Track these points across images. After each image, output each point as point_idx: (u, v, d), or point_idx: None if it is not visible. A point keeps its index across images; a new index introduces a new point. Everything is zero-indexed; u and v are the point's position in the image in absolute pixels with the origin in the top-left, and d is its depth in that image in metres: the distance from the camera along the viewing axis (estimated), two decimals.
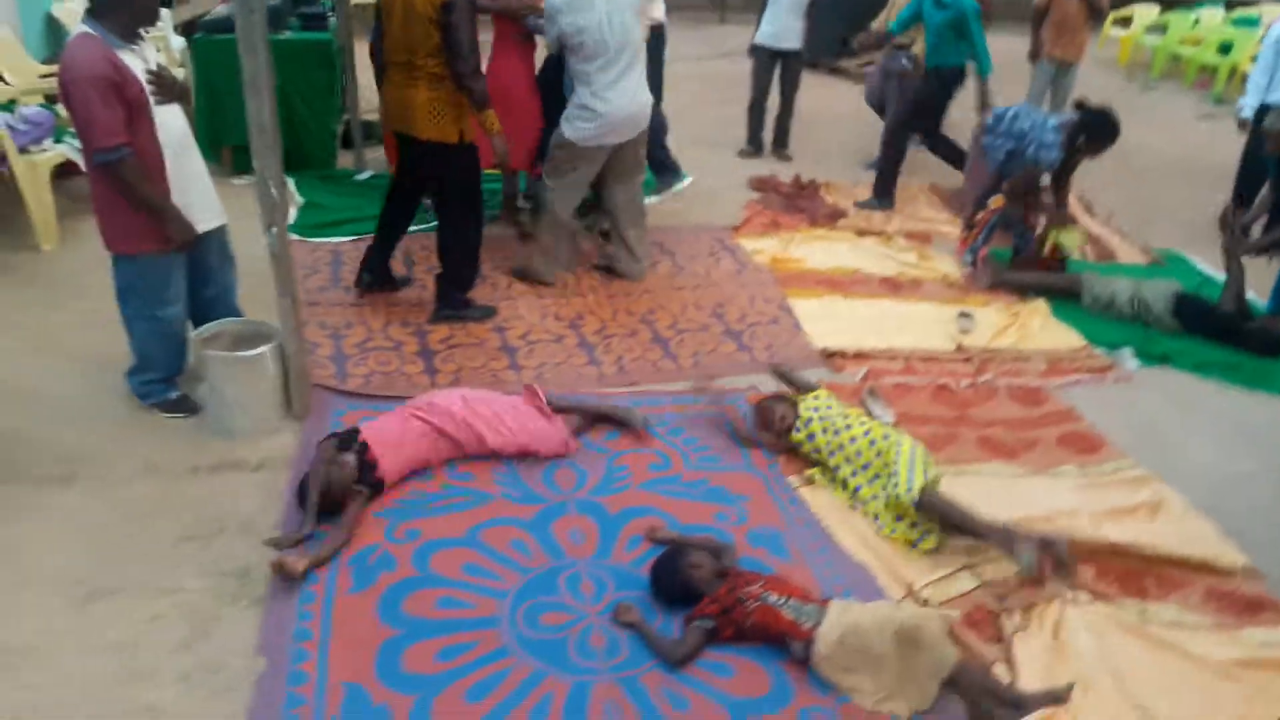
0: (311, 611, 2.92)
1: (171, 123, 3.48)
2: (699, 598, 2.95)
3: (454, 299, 4.67)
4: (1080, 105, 5.57)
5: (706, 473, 3.69)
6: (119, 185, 3.37)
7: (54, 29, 7.20)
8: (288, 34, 6.20)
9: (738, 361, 4.52)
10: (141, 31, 3.41)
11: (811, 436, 3.69)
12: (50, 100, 5.52)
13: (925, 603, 3.08)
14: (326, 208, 5.82)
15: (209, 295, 3.87)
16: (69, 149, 5.15)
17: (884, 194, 6.76)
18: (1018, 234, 5.76)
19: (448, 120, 4.22)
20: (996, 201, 5.70)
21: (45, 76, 5.74)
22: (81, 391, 3.90)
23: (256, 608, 2.93)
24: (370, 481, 3.33)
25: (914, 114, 6.71)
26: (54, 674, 2.65)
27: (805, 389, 3.91)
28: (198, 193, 3.65)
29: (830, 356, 4.60)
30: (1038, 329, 5.03)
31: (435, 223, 4.76)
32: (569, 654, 2.84)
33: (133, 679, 2.66)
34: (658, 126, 6.01)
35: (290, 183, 6.02)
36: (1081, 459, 3.99)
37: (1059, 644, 2.97)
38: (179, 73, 3.65)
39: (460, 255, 4.61)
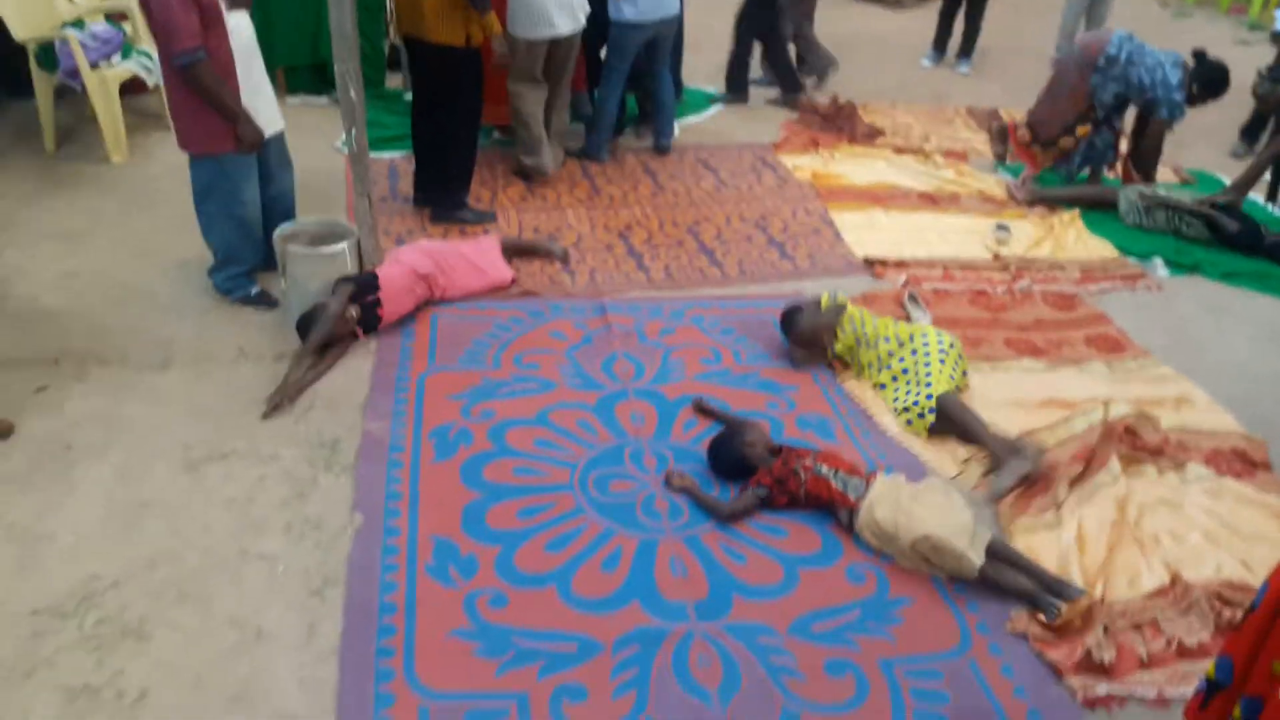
0: (400, 476, 3.20)
1: (241, 29, 3.70)
2: (754, 471, 3.20)
3: (442, 200, 4.89)
4: (1199, 55, 5.60)
5: (755, 366, 3.93)
6: (196, 87, 3.56)
7: None
8: None
9: (782, 269, 4.73)
10: None
11: (851, 347, 3.89)
12: (115, 18, 5.70)
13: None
14: (380, 125, 6.00)
15: (270, 194, 4.10)
16: (136, 65, 5.36)
17: (732, 87, 7.01)
18: (1094, 164, 5.88)
19: (454, 23, 4.36)
20: (1083, 130, 5.77)
21: None
22: (169, 287, 4.16)
23: (347, 474, 3.21)
24: (371, 323, 3.86)
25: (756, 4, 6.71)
26: (181, 523, 2.95)
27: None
28: (264, 99, 3.88)
29: (871, 264, 4.80)
30: (1072, 240, 5.20)
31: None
32: (636, 515, 3.11)
33: (247, 530, 2.95)
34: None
35: None
36: (1108, 356, 4.20)
37: (1106, 512, 3.23)
38: None
39: (449, 158, 4.79)
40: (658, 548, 2.99)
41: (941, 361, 3.68)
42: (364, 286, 3.84)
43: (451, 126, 4.72)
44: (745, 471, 3.22)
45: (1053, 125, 5.78)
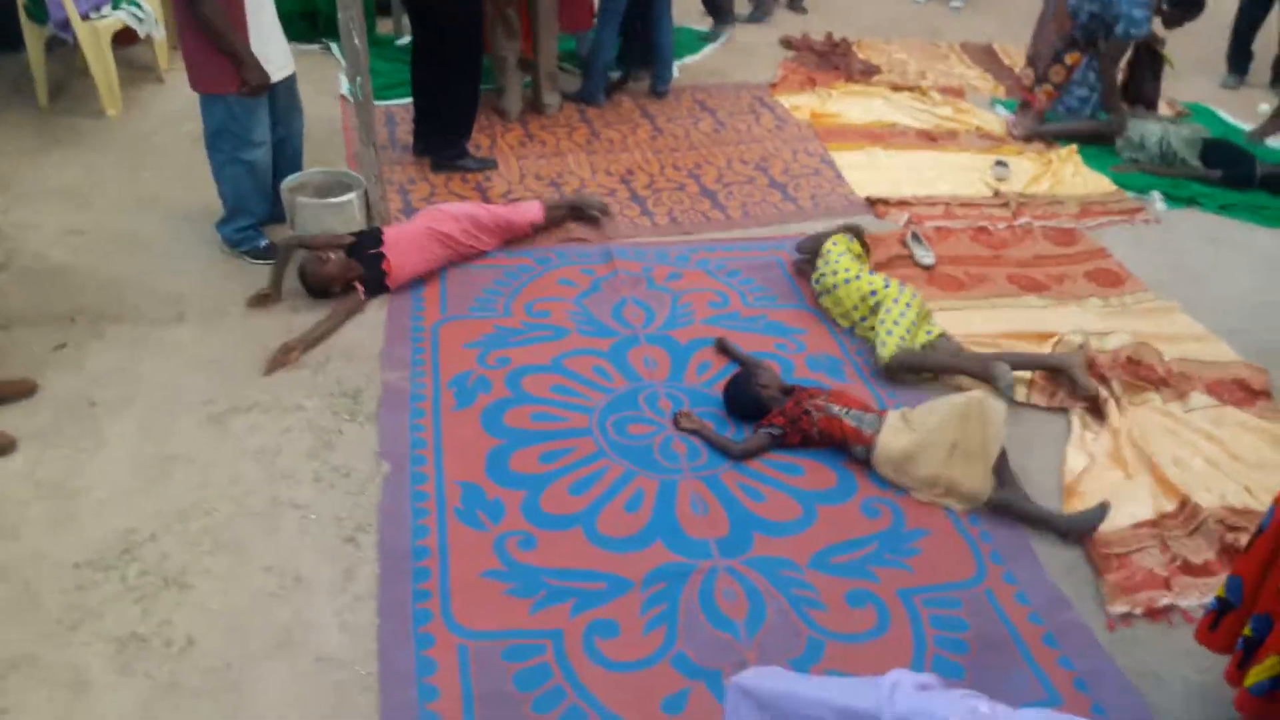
0: (423, 424, 3.26)
1: None
2: (768, 412, 3.27)
3: (443, 147, 4.86)
4: None
5: (764, 309, 3.98)
6: (202, 24, 3.58)
7: None
8: None
9: (785, 211, 4.76)
10: None
11: (820, 279, 3.94)
12: None
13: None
14: (374, 73, 5.92)
15: (278, 137, 4.07)
16: (126, 15, 5.28)
17: (714, 14, 7.03)
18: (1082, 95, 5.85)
19: None
20: (1072, 58, 5.73)
21: None
22: (176, 241, 4.16)
23: (370, 423, 3.26)
24: (376, 280, 3.80)
25: None
26: (210, 475, 3.01)
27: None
28: (274, 44, 3.85)
29: (873, 204, 4.83)
30: (1069, 176, 5.24)
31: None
32: (655, 457, 3.18)
33: (277, 478, 3.01)
34: None
35: (334, 48, 6.15)
36: (1105, 291, 4.27)
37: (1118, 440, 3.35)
38: None
39: (448, 104, 4.76)
40: (678, 488, 3.07)
41: (897, 324, 3.65)
42: (366, 238, 3.84)
43: (449, 72, 4.69)
44: (760, 412, 3.29)
45: (1044, 59, 5.77)
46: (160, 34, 5.55)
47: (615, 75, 5.88)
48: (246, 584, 2.67)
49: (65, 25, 5.05)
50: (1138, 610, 2.76)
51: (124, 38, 5.41)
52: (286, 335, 3.61)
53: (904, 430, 3.11)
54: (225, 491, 2.95)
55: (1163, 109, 6.25)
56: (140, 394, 3.31)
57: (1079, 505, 3.08)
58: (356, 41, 3.60)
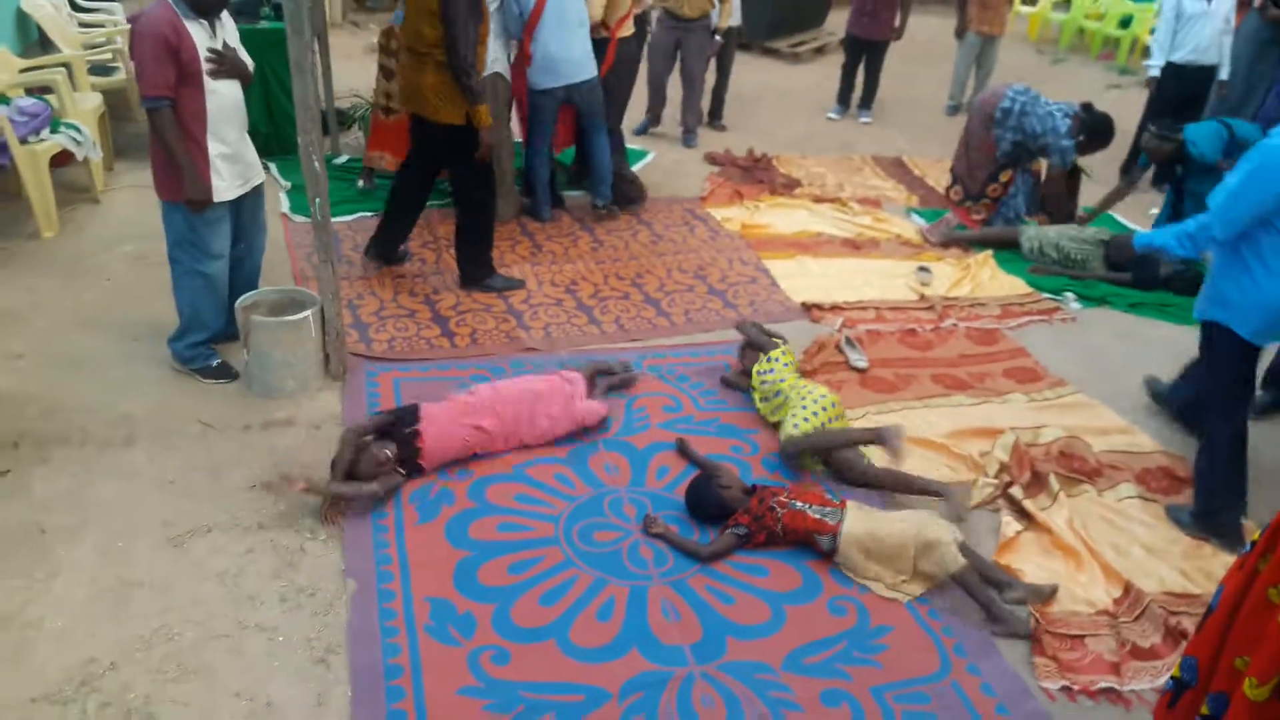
0: (387, 540, 3.25)
1: (224, 94, 3.76)
2: (731, 513, 3.35)
3: (476, 275, 4.99)
4: (1087, 107, 6.09)
5: (716, 413, 4.09)
6: (155, 132, 3.67)
7: (23, 22, 7.19)
8: (263, 24, 6.37)
9: (726, 317, 4.92)
10: (216, 14, 3.71)
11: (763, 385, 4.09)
12: (38, 92, 5.62)
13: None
14: None
15: (238, 252, 4.11)
16: (65, 138, 5.29)
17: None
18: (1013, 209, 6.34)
19: (455, 103, 4.49)
20: (1006, 176, 6.30)
21: (25, 70, 5.82)
22: (122, 361, 4.11)
23: (333, 541, 3.24)
24: (410, 464, 3.49)
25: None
26: (172, 600, 2.94)
27: (767, 348, 4.21)
28: (238, 160, 3.90)
29: (808, 309, 5.04)
30: (987, 279, 5.56)
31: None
32: (623, 563, 3.23)
33: (241, 602, 2.95)
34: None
35: (273, 168, 6.23)
36: (1026, 387, 4.51)
37: (1053, 530, 3.51)
38: (247, 58, 3.93)
39: (474, 234, 4.93)
40: (648, 594, 3.11)
41: (815, 414, 3.80)
42: (401, 417, 3.55)
43: (465, 201, 4.88)
44: (723, 513, 3.37)
45: (975, 178, 6.20)
46: (97, 155, 5.56)
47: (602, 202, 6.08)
48: (216, 711, 2.61)
49: (2, 150, 5.03)
50: (1075, 686, 2.89)
51: (59, 158, 5.41)
52: (243, 455, 3.59)
53: (868, 519, 3.23)
54: (188, 616, 2.89)
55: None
56: (93, 519, 3.23)
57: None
58: (316, 165, 3.68)
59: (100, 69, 6.70)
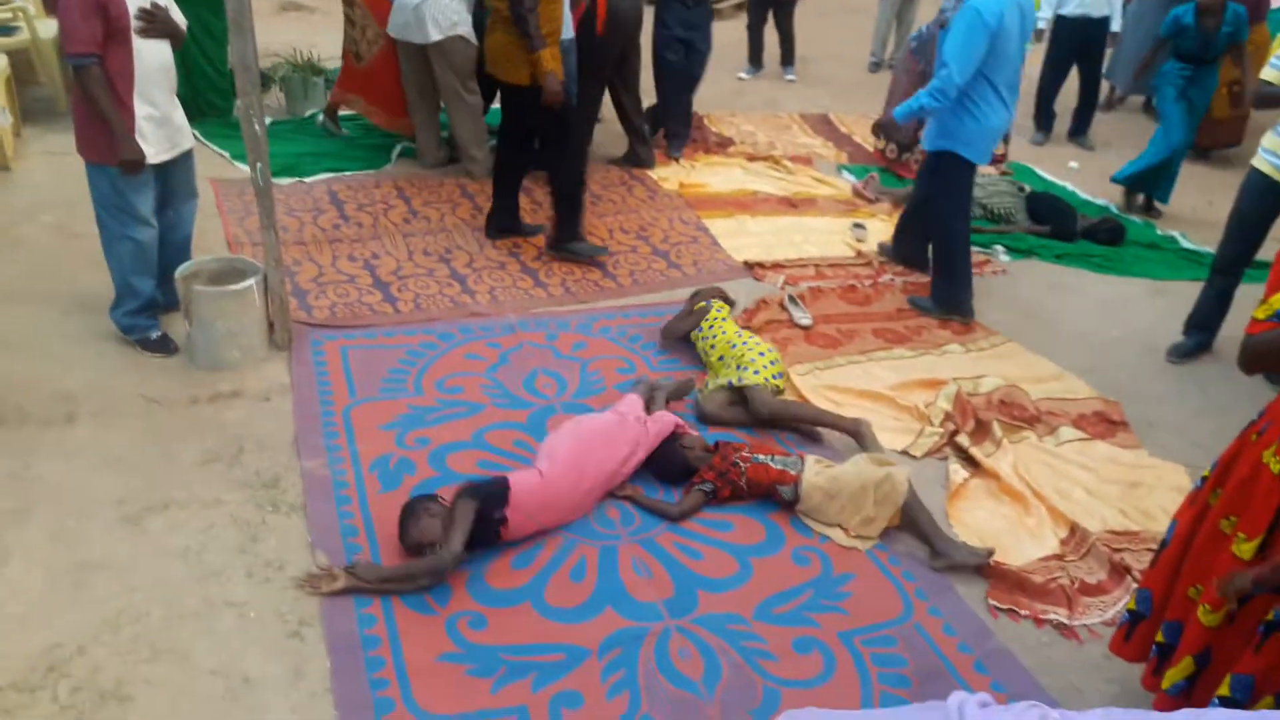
0: (351, 511, 3.21)
1: (152, 55, 3.63)
2: (695, 471, 3.40)
3: (559, 237, 4.93)
4: None
5: (669, 372, 4.12)
6: (83, 92, 3.52)
7: None
8: None
9: (671, 277, 4.96)
10: None
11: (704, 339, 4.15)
12: None
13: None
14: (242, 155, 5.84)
15: (166, 220, 3.97)
16: None
17: None
18: None
19: (519, 62, 4.44)
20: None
21: None
22: (54, 337, 3.95)
23: (296, 513, 3.19)
24: (486, 538, 3.06)
25: None
26: (135, 579, 2.86)
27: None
28: (167, 125, 3.78)
29: (751, 267, 5.10)
30: None
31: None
32: (591, 525, 3.25)
33: (207, 578, 2.90)
34: None
35: (198, 133, 5.99)
36: (962, 338, 4.66)
37: (999, 476, 3.65)
38: (179, 16, 3.78)
39: (559, 196, 4.87)
40: (618, 553, 3.15)
41: (766, 366, 3.88)
42: (490, 498, 3.05)
43: (549, 162, 4.86)
44: (686, 473, 3.42)
45: (906, 128, 6.28)
46: (5, 121, 5.29)
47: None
48: (193, 690, 2.56)
49: None
50: (1024, 611, 3.06)
51: None
52: (192, 430, 3.50)
53: (824, 467, 3.32)
54: (154, 595, 2.82)
55: (988, 169, 6.88)
56: (40, 500, 3.12)
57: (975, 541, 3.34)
58: (256, 128, 3.57)
59: (1, 28, 6.34)
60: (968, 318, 4.74)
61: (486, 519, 3.01)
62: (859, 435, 3.71)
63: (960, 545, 3.25)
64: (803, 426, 3.82)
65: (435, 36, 5.32)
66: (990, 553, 3.21)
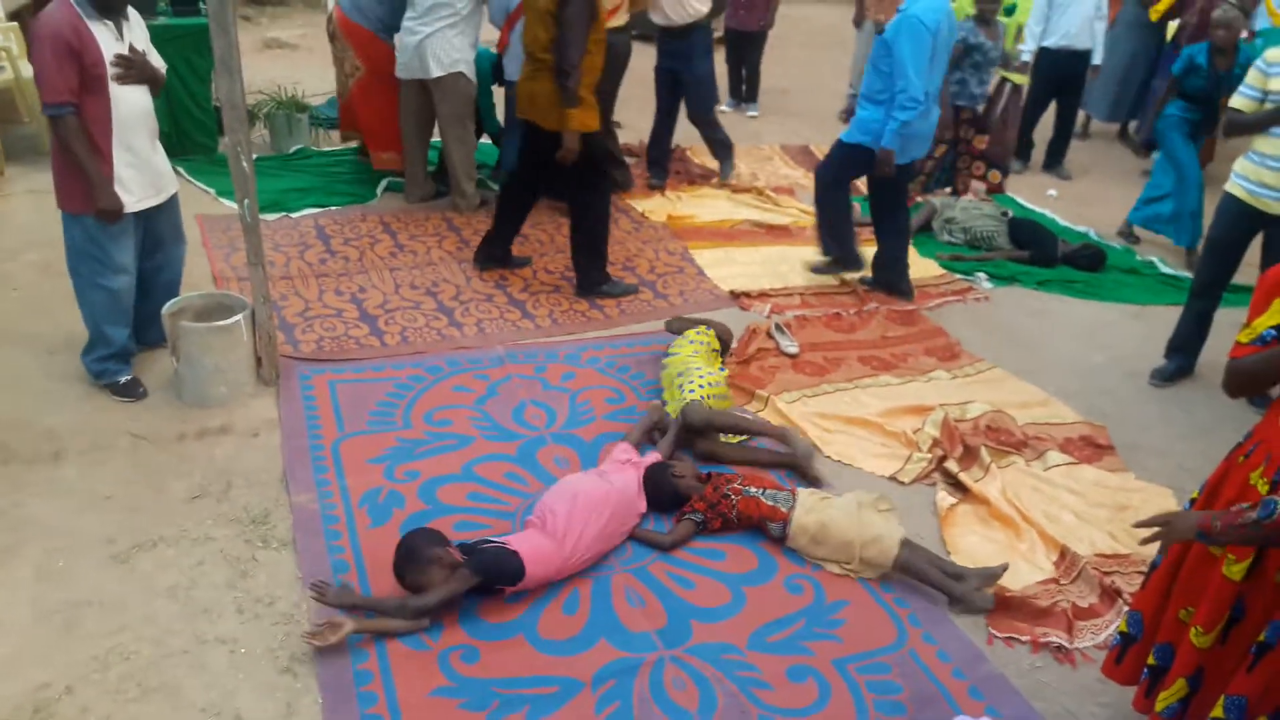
0: (341, 545, 3.19)
1: (132, 101, 3.60)
2: (686, 500, 3.40)
3: (590, 282, 4.98)
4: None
5: (659, 402, 4.13)
6: (59, 141, 3.50)
7: None
8: (160, 19, 6.13)
9: (658, 308, 4.98)
10: (121, 13, 3.55)
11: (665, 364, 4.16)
12: None
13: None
14: (228, 191, 5.85)
15: (155, 263, 3.97)
16: None
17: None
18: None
19: (552, 109, 4.49)
20: (940, 150, 6.54)
21: None
22: (39, 375, 3.94)
23: (286, 548, 3.17)
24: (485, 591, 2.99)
25: None
26: (124, 618, 2.83)
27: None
28: (147, 169, 3.75)
29: (737, 297, 5.13)
30: None
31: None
32: None
33: (197, 615, 2.87)
34: None
35: (183, 169, 6.02)
36: (948, 365, 4.69)
37: (989, 500, 3.66)
38: (159, 61, 3.79)
39: (587, 240, 4.92)
40: (611, 584, 3.14)
41: (704, 387, 3.88)
42: (500, 578, 2.98)
43: (579, 207, 4.94)
44: (677, 502, 3.42)
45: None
46: None
47: None
48: None
49: None
50: (1024, 638, 3.06)
51: None
52: (180, 466, 3.49)
53: (815, 508, 3.32)
54: (142, 633, 2.79)
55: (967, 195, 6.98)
56: (28, 539, 3.10)
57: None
58: (245, 165, 3.58)
59: None
60: (858, 266, 5.36)
61: (487, 589, 2.98)
62: (787, 440, 3.74)
63: (971, 571, 3.25)
64: (735, 436, 3.85)
65: (437, 73, 5.38)
66: (1004, 568, 3.23)
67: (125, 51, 3.54)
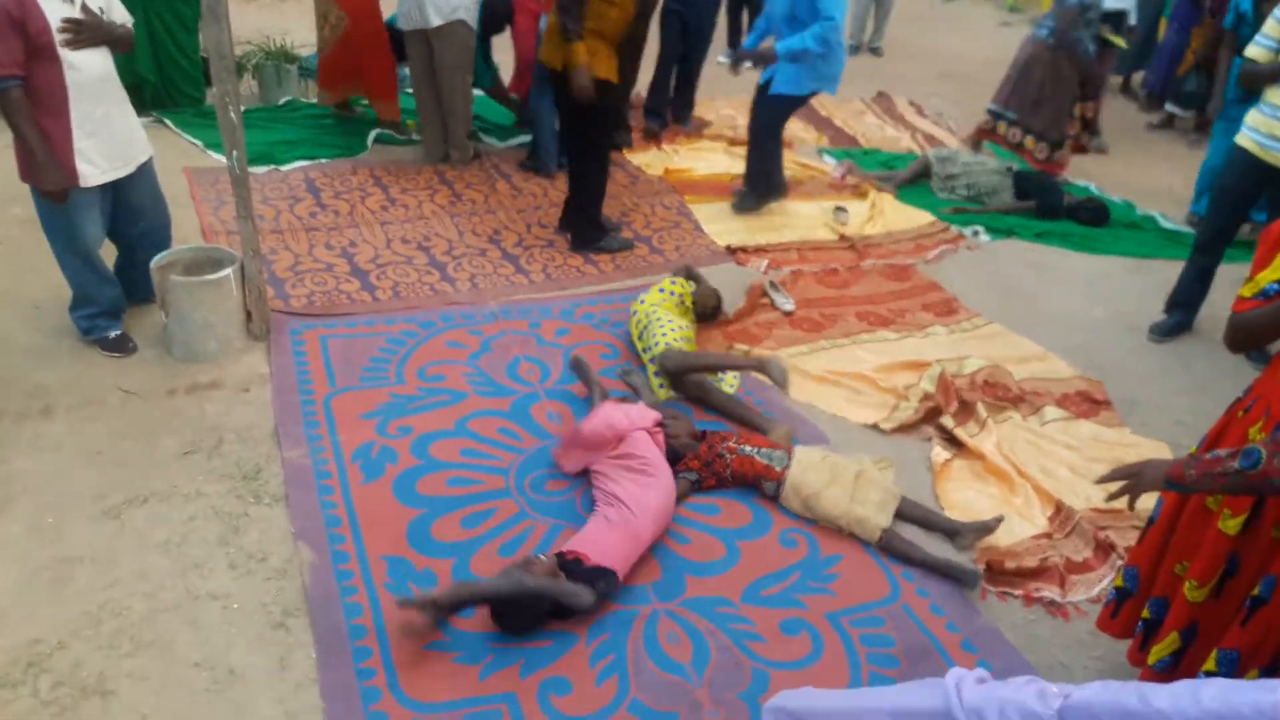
0: (334, 501, 3.18)
1: (88, 67, 3.41)
2: (680, 458, 3.38)
3: (582, 239, 4.90)
4: None
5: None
6: (4, 115, 3.33)
7: None
8: None
9: (653, 262, 4.93)
10: None
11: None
12: None
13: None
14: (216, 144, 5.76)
15: (140, 230, 3.87)
16: None
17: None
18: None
19: (556, 45, 4.40)
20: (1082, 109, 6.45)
21: None
22: (28, 332, 3.89)
23: (278, 504, 3.15)
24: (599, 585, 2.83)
25: None
26: (116, 573, 2.83)
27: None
28: (115, 139, 3.58)
29: (733, 252, 5.08)
30: (892, 211, 5.74)
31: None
32: (577, 510, 3.23)
33: (189, 571, 2.86)
34: None
35: (169, 121, 5.94)
36: (946, 320, 4.66)
37: (984, 455, 3.65)
38: (124, 16, 3.61)
39: (576, 193, 4.84)
40: None
41: (677, 340, 3.88)
42: (605, 590, 2.85)
43: (571, 151, 4.83)
44: (672, 460, 3.39)
45: (1059, 121, 6.24)
46: None
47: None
48: (177, 683, 2.53)
49: None
50: (1017, 592, 3.06)
51: None
52: (170, 420, 3.46)
53: (811, 465, 3.30)
54: (135, 589, 2.79)
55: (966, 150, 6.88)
56: (19, 494, 3.08)
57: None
58: (233, 117, 3.51)
59: None
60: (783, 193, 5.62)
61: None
62: (764, 368, 3.69)
63: (966, 525, 3.24)
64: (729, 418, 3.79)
65: (436, 21, 5.25)
66: (999, 520, 3.22)
67: (76, 14, 3.33)
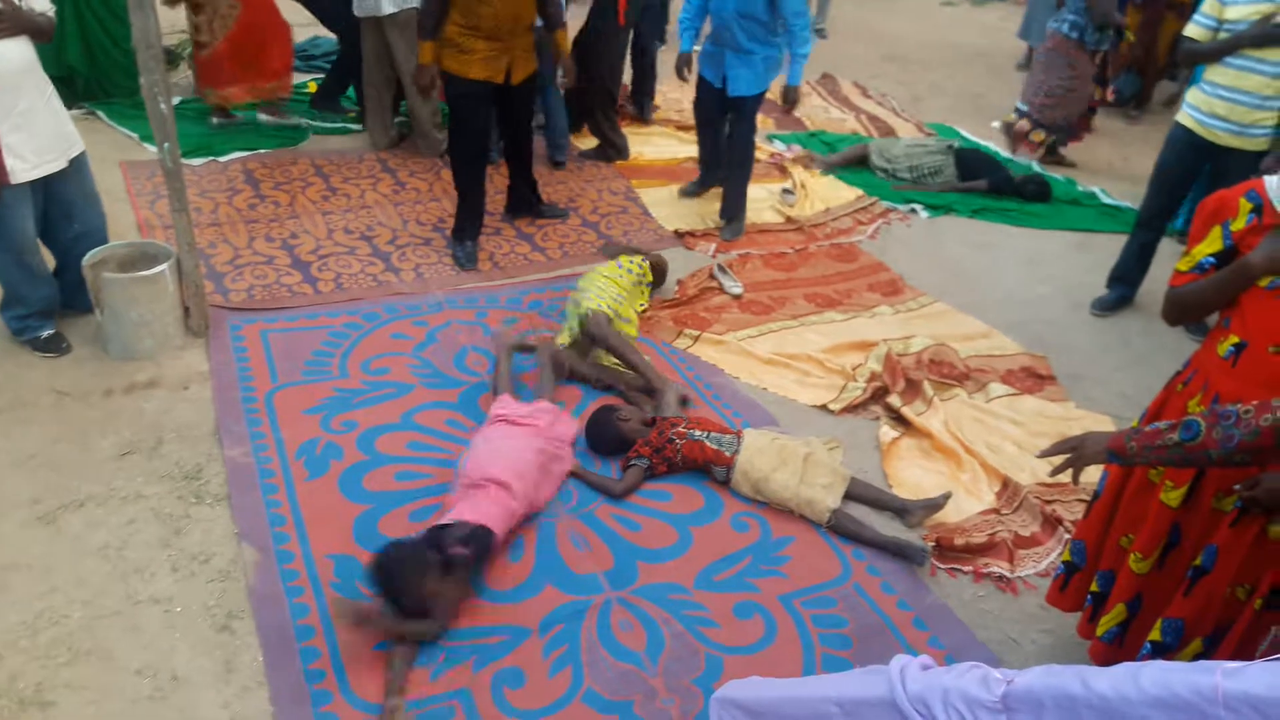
0: (278, 500, 3.11)
1: (8, 57, 3.27)
2: (631, 444, 3.37)
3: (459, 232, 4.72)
4: None
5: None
6: None
7: None
8: None
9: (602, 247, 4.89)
10: None
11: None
12: None
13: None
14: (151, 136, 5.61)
15: (74, 232, 3.72)
16: None
17: None
18: None
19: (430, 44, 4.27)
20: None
21: None
22: None
23: (220, 504, 3.09)
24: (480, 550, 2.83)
25: None
26: (53, 580, 2.74)
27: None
28: (38, 132, 3.42)
29: (682, 236, 5.06)
30: (826, 187, 5.80)
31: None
32: None
33: (129, 575, 2.79)
34: None
35: (101, 113, 5.77)
36: (891, 300, 4.69)
37: (931, 434, 3.67)
38: (45, 5, 3.44)
39: (458, 195, 4.68)
40: (556, 529, 3.10)
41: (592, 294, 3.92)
42: (479, 550, 2.82)
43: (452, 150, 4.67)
44: (623, 446, 3.38)
45: (1073, 113, 6.32)
46: None
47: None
48: (118, 692, 2.47)
49: None
50: (966, 568, 3.10)
51: None
52: (108, 422, 3.37)
53: (760, 449, 3.29)
54: (73, 596, 2.71)
55: (912, 131, 6.93)
56: None
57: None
58: (163, 107, 3.40)
59: None
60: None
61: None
62: (661, 395, 3.62)
63: (914, 504, 3.26)
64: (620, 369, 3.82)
65: (389, 9, 5.14)
66: (947, 497, 3.25)
67: None
